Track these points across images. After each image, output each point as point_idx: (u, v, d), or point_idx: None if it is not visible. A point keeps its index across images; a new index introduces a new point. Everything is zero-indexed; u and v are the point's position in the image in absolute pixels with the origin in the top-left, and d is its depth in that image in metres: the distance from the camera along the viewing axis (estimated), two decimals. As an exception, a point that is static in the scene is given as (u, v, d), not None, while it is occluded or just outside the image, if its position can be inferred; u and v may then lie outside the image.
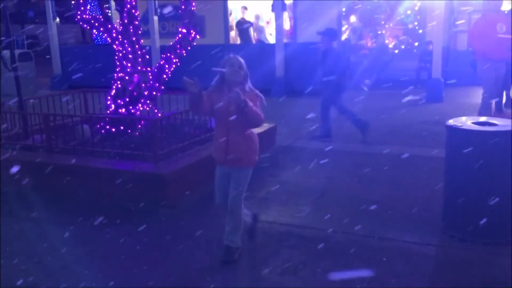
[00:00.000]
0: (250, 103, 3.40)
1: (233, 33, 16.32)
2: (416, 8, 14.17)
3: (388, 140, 7.21)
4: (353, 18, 15.04)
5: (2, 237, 4.28)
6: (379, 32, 14.58)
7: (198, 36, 6.28)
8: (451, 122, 4.01)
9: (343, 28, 15.04)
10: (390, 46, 14.49)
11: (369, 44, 14.76)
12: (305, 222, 4.43)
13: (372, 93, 11.28)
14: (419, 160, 6.10)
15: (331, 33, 7.16)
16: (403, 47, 14.50)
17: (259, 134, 6.43)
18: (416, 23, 14.39)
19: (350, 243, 4.00)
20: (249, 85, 3.61)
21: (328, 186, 5.37)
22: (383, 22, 14.65)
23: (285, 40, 12.43)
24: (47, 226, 4.49)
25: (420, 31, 14.06)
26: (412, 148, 6.69)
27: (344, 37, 14.97)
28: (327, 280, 3.46)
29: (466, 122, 3.99)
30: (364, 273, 3.51)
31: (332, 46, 7.17)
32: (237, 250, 3.75)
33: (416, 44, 14.23)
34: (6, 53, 11.85)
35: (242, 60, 3.59)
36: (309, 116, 7.66)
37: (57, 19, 15.32)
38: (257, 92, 3.61)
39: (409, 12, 14.41)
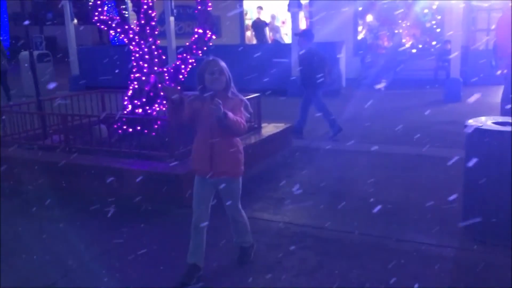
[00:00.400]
0: (230, 114, 3.13)
1: (248, 33, 16.34)
2: (434, 7, 13.97)
3: (405, 140, 7.13)
4: (369, 17, 14.90)
5: (19, 236, 4.33)
6: (396, 31, 14.43)
7: (214, 36, 6.29)
8: (470, 122, 3.95)
9: (359, 28, 14.93)
10: (407, 45, 14.33)
11: (385, 43, 14.60)
12: (321, 223, 4.40)
13: (388, 93, 11.18)
14: (436, 160, 6.02)
15: (308, 35, 7.61)
16: (420, 46, 14.33)
17: (275, 135, 6.50)
18: (434, 22, 14.20)
19: (367, 245, 3.96)
20: (232, 90, 3.33)
21: (344, 186, 5.33)
22: (400, 21, 14.48)
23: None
24: (64, 226, 4.53)
25: (438, 30, 13.88)
26: (429, 148, 6.60)
27: (360, 36, 14.86)
28: (343, 281, 3.43)
29: (486, 122, 3.92)
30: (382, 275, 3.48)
31: (310, 46, 7.51)
32: (251, 248, 3.73)
33: (434, 43, 14.05)
34: (26, 54, 12.07)
35: (222, 64, 3.26)
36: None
37: (75, 20, 15.50)
38: (241, 97, 3.36)
39: (426, 11, 14.23)
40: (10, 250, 4.05)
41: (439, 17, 13.80)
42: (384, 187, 5.25)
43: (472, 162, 3.90)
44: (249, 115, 3.50)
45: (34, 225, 4.58)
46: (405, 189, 5.15)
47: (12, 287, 3.51)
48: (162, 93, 5.85)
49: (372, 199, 4.89)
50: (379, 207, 4.66)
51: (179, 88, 3.18)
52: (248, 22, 16.26)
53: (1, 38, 27.56)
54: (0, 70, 11.75)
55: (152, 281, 3.53)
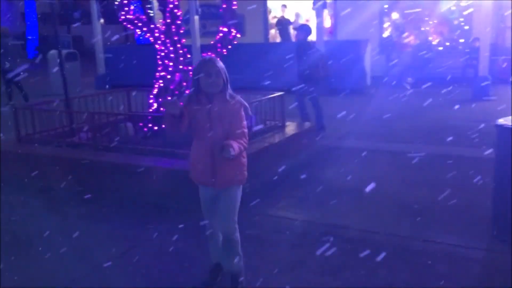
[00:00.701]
0: (236, 148, 2.91)
1: (273, 31, 16.32)
2: (462, 4, 13.69)
3: (432, 140, 7.02)
4: (395, 15, 14.69)
5: (45, 233, 4.41)
6: (422, 29, 14.20)
7: (238, 35, 6.30)
8: (501, 121, 3.85)
9: (385, 25, 14.73)
10: (434, 43, 14.06)
11: (412, 41, 14.37)
12: (346, 223, 4.37)
13: (414, 91, 11.01)
14: (464, 160, 5.90)
15: (306, 29, 7.82)
16: (447, 44, 14.05)
17: (299, 133, 6.47)
18: (461, 19, 13.90)
19: (393, 245, 3.91)
20: (229, 91, 3.08)
21: (369, 186, 5.26)
22: (426, 19, 14.24)
23: (325, 38, 12.30)
24: (90, 222, 4.61)
25: (467, 27, 13.59)
26: (457, 147, 6.48)
27: (386, 34, 14.66)
28: (368, 282, 3.40)
29: (516, 121, 3.83)
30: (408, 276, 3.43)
31: (307, 41, 7.70)
32: (242, 277, 3.37)
33: (462, 41, 13.75)
34: (54, 53, 12.29)
35: (219, 65, 3.02)
36: (350, 116, 7.57)
37: (102, 20, 15.74)
38: (240, 99, 3.10)
39: (453, 8, 13.94)
40: (36, 246, 4.13)
41: (466, 13, 13.51)
42: (410, 187, 5.18)
43: (502, 162, 3.82)
44: (249, 115, 3.32)
45: (60, 222, 4.67)
46: (432, 189, 5.06)
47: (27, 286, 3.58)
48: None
49: (397, 199, 4.84)
50: (405, 207, 4.60)
51: (180, 103, 3.03)
52: (272, 20, 16.24)
53: (30, 38, 28.20)
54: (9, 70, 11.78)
55: (178, 279, 3.56)
